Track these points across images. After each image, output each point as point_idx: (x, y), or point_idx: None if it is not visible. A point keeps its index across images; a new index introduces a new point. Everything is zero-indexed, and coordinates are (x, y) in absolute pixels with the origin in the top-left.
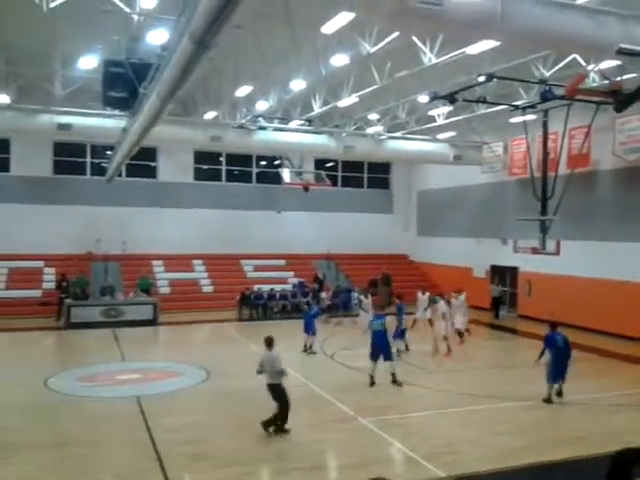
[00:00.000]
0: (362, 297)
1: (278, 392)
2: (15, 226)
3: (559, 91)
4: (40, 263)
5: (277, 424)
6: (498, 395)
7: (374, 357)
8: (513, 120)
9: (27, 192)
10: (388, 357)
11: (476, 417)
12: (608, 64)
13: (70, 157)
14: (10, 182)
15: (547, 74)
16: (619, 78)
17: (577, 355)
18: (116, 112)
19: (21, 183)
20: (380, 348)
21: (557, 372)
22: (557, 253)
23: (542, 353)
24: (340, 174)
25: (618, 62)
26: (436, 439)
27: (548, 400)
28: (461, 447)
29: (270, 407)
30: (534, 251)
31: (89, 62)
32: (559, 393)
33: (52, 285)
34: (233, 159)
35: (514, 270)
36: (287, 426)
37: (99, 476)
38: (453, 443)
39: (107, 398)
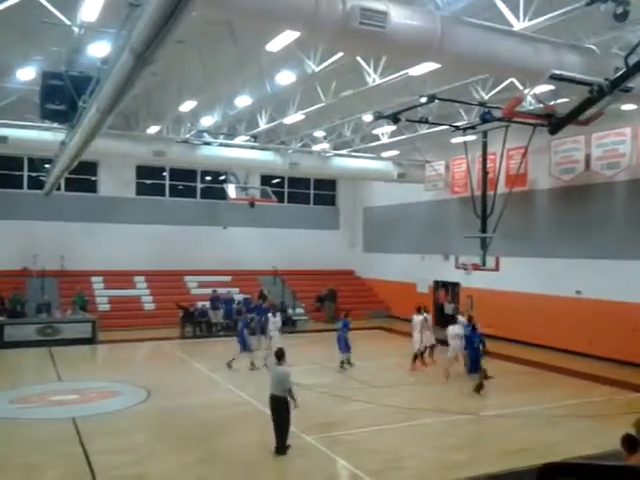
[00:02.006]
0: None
1: (283, 405)
2: None
3: (498, 113)
4: None
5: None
6: (443, 409)
7: None
8: (454, 140)
9: None
10: None
11: (421, 431)
12: (543, 88)
13: (6, 170)
14: None
15: (486, 97)
16: (553, 102)
17: (519, 369)
18: (55, 125)
19: None
20: None
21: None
22: (497, 269)
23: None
24: (286, 190)
25: (552, 87)
26: (381, 455)
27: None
28: (406, 462)
29: (211, 427)
30: (475, 268)
31: (27, 73)
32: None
33: None
34: (177, 174)
35: (456, 285)
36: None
37: None
38: (398, 458)
39: (42, 420)
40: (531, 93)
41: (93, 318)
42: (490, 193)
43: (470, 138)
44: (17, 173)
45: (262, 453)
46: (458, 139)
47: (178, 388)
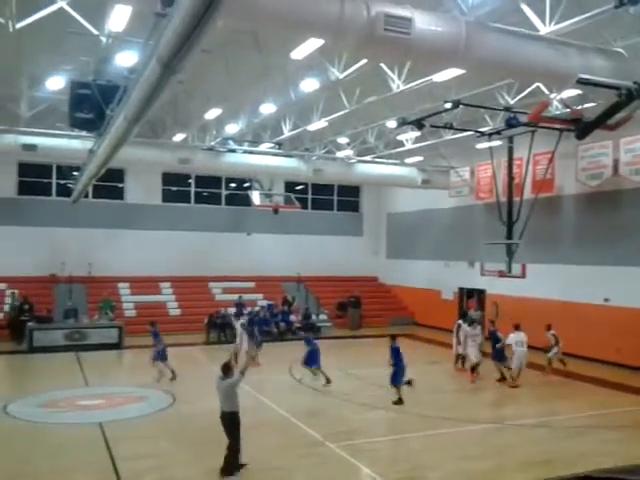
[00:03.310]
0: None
1: (233, 422)
2: None
3: (523, 118)
4: (2, 285)
5: (235, 464)
6: (465, 418)
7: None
8: (479, 146)
9: None
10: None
11: (444, 440)
12: (570, 93)
13: (35, 178)
14: None
15: (512, 101)
16: (580, 107)
17: (544, 377)
18: (83, 133)
19: None
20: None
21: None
22: (523, 276)
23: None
24: (310, 197)
25: (579, 91)
26: (404, 464)
27: None
28: (428, 472)
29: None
30: (501, 274)
31: (56, 83)
32: None
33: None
34: (202, 181)
35: (482, 292)
36: (244, 459)
37: None
38: (420, 467)
39: (69, 424)
40: (558, 98)
41: (119, 324)
42: (516, 199)
43: (495, 143)
44: (46, 180)
45: (286, 459)
46: (483, 145)
47: (203, 394)
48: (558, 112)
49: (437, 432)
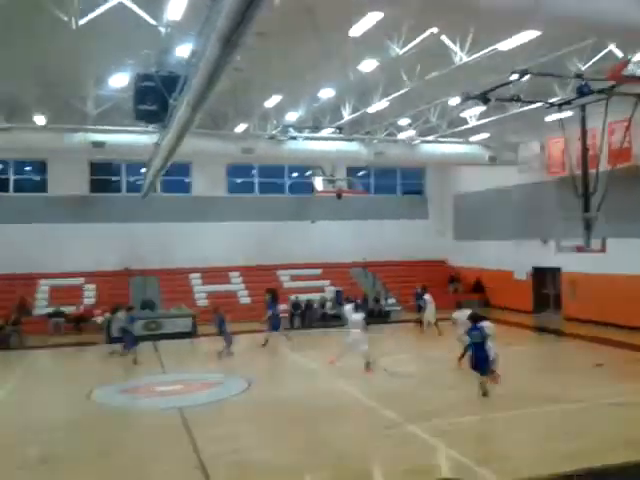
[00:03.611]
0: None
1: None
2: (55, 245)
3: (596, 85)
4: (80, 280)
5: None
6: (548, 398)
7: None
8: (549, 118)
9: (66, 211)
10: (481, 372)
11: (527, 421)
12: None
13: (106, 175)
14: (48, 202)
15: (583, 68)
16: None
17: (630, 355)
18: (148, 128)
19: (59, 203)
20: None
21: None
22: (603, 250)
23: None
24: (373, 181)
25: None
26: (488, 444)
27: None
28: (514, 452)
29: (311, 416)
30: (579, 249)
31: (120, 80)
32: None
33: (92, 301)
34: (265, 171)
35: (556, 271)
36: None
37: None
38: (506, 447)
39: (150, 409)
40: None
41: (193, 313)
42: (591, 171)
43: (567, 114)
44: (115, 178)
45: (363, 443)
46: (553, 116)
47: (278, 378)
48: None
49: (519, 412)
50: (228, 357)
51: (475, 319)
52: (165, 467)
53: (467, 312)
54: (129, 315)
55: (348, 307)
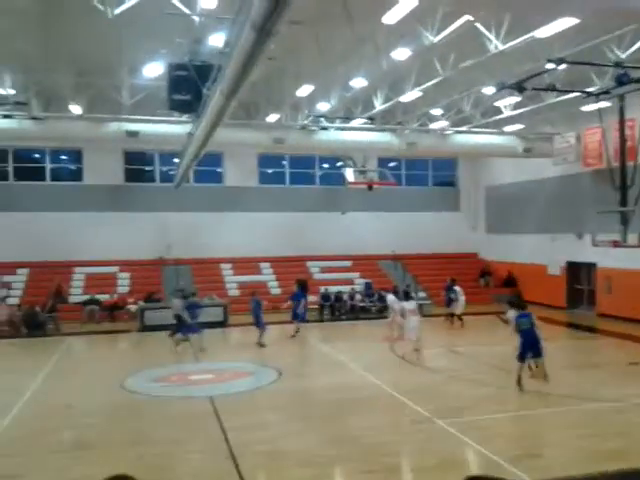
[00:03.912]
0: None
1: None
2: (90, 233)
3: (636, 73)
4: (115, 268)
5: None
6: (582, 396)
7: (522, 358)
8: (585, 108)
9: (100, 200)
10: (537, 354)
11: (560, 419)
12: None
13: (140, 165)
14: (83, 191)
15: (622, 56)
16: None
17: None
18: (182, 118)
19: (94, 192)
20: (530, 346)
21: None
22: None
23: None
24: (404, 172)
25: None
26: (519, 441)
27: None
28: (547, 450)
29: (341, 408)
30: (615, 244)
31: (154, 69)
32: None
33: (126, 290)
34: (296, 162)
35: (591, 266)
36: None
37: (176, 474)
38: (537, 446)
39: (181, 398)
40: None
41: (224, 303)
42: (629, 163)
43: (604, 104)
44: (149, 168)
45: (396, 436)
46: (590, 107)
47: (307, 369)
48: None
49: (553, 410)
50: (260, 347)
51: (520, 306)
52: (196, 456)
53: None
54: (186, 301)
55: (391, 297)
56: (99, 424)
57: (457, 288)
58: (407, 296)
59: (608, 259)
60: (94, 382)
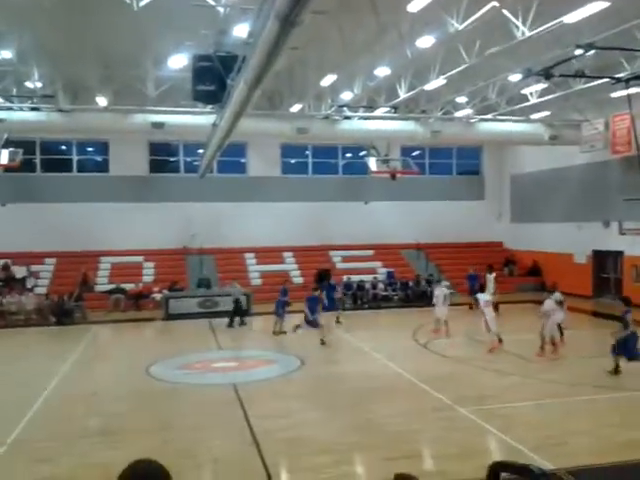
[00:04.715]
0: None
1: None
2: (115, 224)
3: None
4: (140, 258)
5: None
6: (604, 385)
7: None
8: (615, 94)
9: (126, 191)
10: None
11: (584, 407)
12: None
13: (165, 156)
14: (110, 182)
15: None
16: None
17: None
18: (206, 109)
19: (120, 183)
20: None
21: None
22: None
23: None
24: (427, 161)
25: None
26: (543, 430)
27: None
28: (571, 438)
29: (364, 396)
30: None
31: (178, 61)
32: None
33: (151, 279)
34: (319, 151)
35: (619, 255)
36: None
37: (199, 460)
38: (562, 434)
39: (205, 385)
40: None
41: (248, 292)
42: None
43: (634, 90)
44: (173, 159)
45: (417, 424)
46: (619, 93)
47: (329, 357)
48: None
49: (575, 399)
50: (278, 335)
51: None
52: (218, 442)
53: (553, 299)
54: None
55: (439, 291)
56: (124, 411)
57: (489, 276)
58: (481, 288)
59: (636, 247)
60: (120, 369)
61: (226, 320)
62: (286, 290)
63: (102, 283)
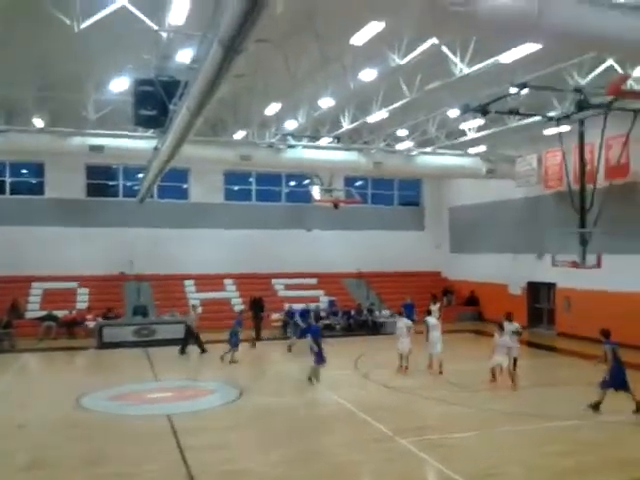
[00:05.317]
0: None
1: None
2: (49, 248)
3: (595, 99)
4: (74, 284)
5: None
6: (542, 414)
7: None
8: (547, 132)
9: (61, 215)
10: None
11: (521, 437)
12: None
13: (103, 180)
14: (45, 205)
15: (582, 82)
16: None
17: (633, 375)
18: (147, 133)
19: (55, 206)
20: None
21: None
22: (598, 266)
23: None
24: (370, 192)
25: None
26: (481, 460)
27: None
28: (508, 468)
29: (304, 426)
30: (574, 265)
31: (120, 84)
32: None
33: (85, 305)
34: (263, 179)
35: (551, 286)
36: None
37: None
38: (499, 464)
39: (139, 416)
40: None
41: (186, 319)
42: (588, 186)
43: (565, 128)
44: (112, 183)
45: (356, 455)
46: (551, 130)
47: (269, 387)
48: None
49: (512, 429)
50: (231, 364)
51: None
52: (153, 475)
53: (513, 327)
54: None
55: (401, 323)
56: (54, 444)
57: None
58: (429, 313)
59: (568, 279)
60: (50, 400)
61: (168, 349)
62: (241, 321)
63: (33, 309)
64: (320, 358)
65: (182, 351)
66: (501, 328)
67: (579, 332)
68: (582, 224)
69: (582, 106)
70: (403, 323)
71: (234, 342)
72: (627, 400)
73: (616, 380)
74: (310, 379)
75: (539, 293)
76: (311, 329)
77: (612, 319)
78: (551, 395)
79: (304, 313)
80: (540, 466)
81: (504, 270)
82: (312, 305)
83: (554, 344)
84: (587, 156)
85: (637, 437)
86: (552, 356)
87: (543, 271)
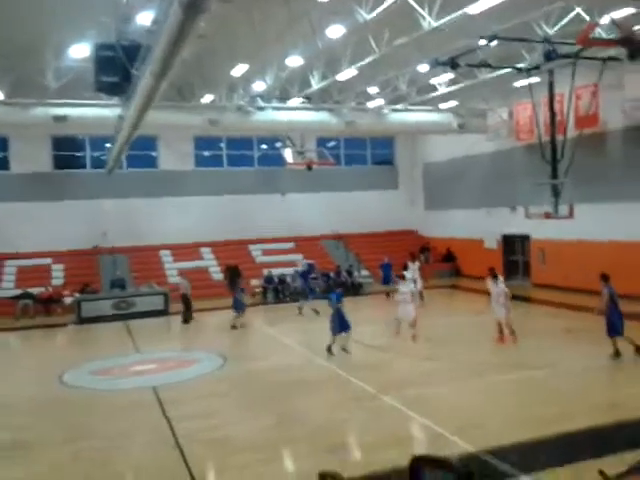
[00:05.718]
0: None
1: None
2: (19, 225)
3: (564, 49)
4: (48, 260)
5: None
6: (521, 364)
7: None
8: (517, 84)
9: (29, 189)
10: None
11: (502, 388)
12: (620, 14)
13: (69, 151)
14: (11, 180)
15: (550, 32)
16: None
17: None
18: (111, 101)
19: (22, 180)
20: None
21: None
22: (570, 216)
23: None
24: (343, 152)
25: (632, 10)
26: (462, 412)
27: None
28: (489, 419)
29: (287, 390)
30: (547, 216)
31: (80, 50)
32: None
33: (61, 282)
34: (233, 144)
35: (525, 238)
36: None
37: (118, 468)
38: (480, 415)
39: (123, 390)
40: (606, 19)
41: (165, 290)
42: (559, 137)
43: (535, 80)
44: (79, 154)
45: (341, 413)
46: (522, 82)
47: (252, 353)
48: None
49: (492, 379)
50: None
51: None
52: (140, 448)
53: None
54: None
55: (405, 287)
56: (36, 422)
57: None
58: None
59: (541, 231)
60: (30, 379)
61: (148, 320)
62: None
63: (8, 288)
64: (346, 324)
65: (185, 321)
66: (494, 277)
67: (554, 282)
68: (554, 175)
69: (551, 56)
70: (408, 288)
71: (240, 307)
72: (608, 345)
73: (615, 325)
74: (344, 349)
75: (514, 246)
76: (335, 295)
77: (586, 268)
78: (530, 345)
79: (304, 274)
80: (518, 415)
81: (479, 225)
82: (303, 264)
83: (529, 295)
84: (557, 107)
85: (621, 379)
86: (528, 307)
87: (517, 224)
